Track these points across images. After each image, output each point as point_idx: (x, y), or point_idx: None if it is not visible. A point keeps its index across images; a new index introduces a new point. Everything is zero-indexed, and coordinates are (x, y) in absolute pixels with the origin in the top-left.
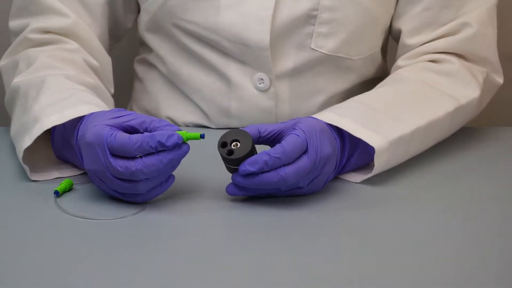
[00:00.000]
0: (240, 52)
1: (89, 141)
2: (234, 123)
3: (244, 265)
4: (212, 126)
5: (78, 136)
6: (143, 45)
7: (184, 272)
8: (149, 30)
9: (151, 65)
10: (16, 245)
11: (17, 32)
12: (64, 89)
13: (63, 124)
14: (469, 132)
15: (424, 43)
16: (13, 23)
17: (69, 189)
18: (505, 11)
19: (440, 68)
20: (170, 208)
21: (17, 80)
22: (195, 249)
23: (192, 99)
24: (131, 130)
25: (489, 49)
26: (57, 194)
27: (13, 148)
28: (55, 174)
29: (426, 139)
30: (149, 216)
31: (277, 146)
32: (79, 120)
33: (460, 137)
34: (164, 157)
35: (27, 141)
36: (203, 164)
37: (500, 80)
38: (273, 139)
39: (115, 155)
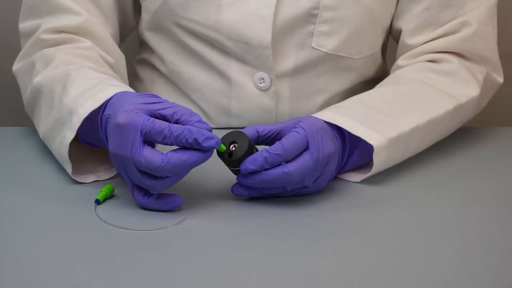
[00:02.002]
0: (241, 51)
1: (120, 123)
2: (234, 123)
3: (244, 265)
4: (212, 126)
5: (105, 115)
6: (143, 45)
7: (183, 272)
8: (149, 29)
9: (151, 65)
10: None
11: (28, 34)
12: (91, 79)
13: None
14: (469, 132)
15: (424, 43)
16: (23, 25)
17: (110, 196)
18: (505, 11)
19: (440, 68)
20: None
21: (38, 79)
22: (196, 248)
23: (192, 99)
24: (161, 119)
25: (489, 48)
26: (98, 202)
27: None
28: (92, 177)
29: (425, 138)
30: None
31: (277, 143)
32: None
33: (460, 137)
34: (189, 159)
35: (69, 134)
36: (206, 165)
37: (500, 79)
38: (272, 139)
39: (146, 142)
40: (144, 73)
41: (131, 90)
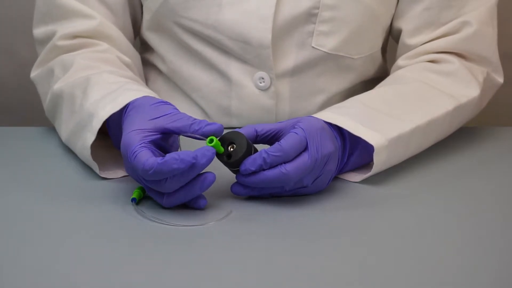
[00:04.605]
0: (241, 50)
1: (121, 147)
2: (234, 122)
3: (244, 265)
4: None
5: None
6: (144, 44)
7: (182, 272)
8: (150, 29)
9: (151, 64)
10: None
11: (43, 41)
12: (111, 84)
13: (119, 112)
14: (469, 132)
15: (424, 43)
16: (38, 31)
17: (143, 196)
18: (505, 11)
19: (440, 68)
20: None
21: (58, 85)
22: (195, 248)
23: (192, 98)
24: (168, 132)
25: (489, 48)
26: (135, 201)
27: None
28: (121, 173)
29: (425, 138)
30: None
31: (276, 144)
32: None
33: (460, 137)
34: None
35: (90, 136)
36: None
37: (500, 79)
38: (271, 138)
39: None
40: (145, 72)
41: (150, 92)
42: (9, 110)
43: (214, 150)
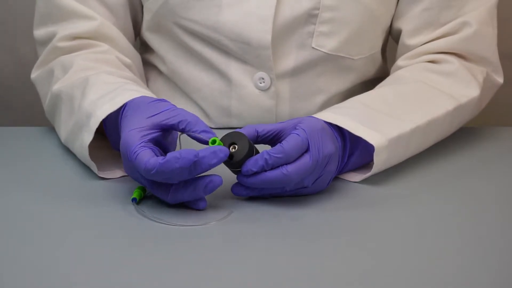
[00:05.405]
0: (241, 51)
1: (121, 146)
2: (234, 123)
3: (243, 265)
4: (212, 126)
5: (121, 125)
6: (144, 45)
7: (182, 272)
8: (150, 30)
9: (152, 65)
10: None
11: (43, 42)
12: (109, 84)
13: (116, 113)
14: (469, 132)
15: (424, 43)
16: (38, 32)
17: (143, 196)
18: (505, 11)
19: (440, 69)
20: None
21: (57, 86)
22: (194, 248)
23: (192, 98)
24: (167, 129)
25: (489, 48)
26: (135, 201)
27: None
28: (119, 173)
29: (425, 138)
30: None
31: (277, 146)
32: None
33: (460, 137)
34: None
35: (87, 136)
36: None
37: (500, 79)
38: (272, 139)
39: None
40: (146, 72)
41: (148, 93)
42: (10, 110)
43: (227, 153)
